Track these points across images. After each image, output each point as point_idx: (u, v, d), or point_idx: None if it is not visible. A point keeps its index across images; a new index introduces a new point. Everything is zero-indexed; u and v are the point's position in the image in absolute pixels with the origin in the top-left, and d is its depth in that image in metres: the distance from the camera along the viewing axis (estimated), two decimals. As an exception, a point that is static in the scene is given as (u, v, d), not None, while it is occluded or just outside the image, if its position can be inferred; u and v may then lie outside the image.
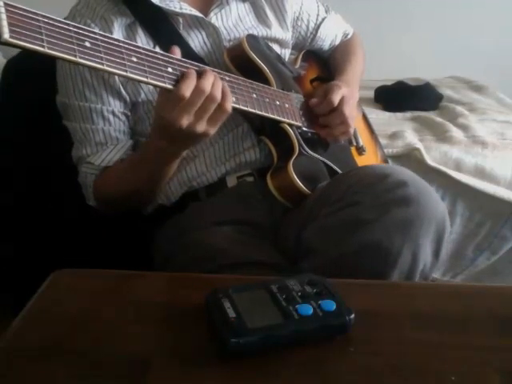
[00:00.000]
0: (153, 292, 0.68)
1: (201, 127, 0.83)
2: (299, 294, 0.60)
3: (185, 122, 0.81)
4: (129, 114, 1.03)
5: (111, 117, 1.00)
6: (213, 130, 0.85)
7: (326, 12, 1.26)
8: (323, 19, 1.24)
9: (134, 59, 0.76)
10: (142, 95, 1.00)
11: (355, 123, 1.14)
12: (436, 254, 0.81)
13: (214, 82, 0.82)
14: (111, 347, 0.57)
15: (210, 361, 0.55)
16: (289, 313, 0.57)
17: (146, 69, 0.78)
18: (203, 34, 1.04)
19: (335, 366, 0.55)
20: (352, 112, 1.05)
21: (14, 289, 1.18)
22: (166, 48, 0.98)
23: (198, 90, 0.80)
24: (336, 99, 1.02)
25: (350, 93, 1.06)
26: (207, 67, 0.86)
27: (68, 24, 0.70)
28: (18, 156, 1.24)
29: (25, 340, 0.58)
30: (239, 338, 0.54)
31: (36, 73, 1.06)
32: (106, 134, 1.00)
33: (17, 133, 1.23)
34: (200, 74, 0.82)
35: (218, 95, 0.82)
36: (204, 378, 0.53)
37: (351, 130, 1.07)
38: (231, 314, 0.57)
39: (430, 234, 0.79)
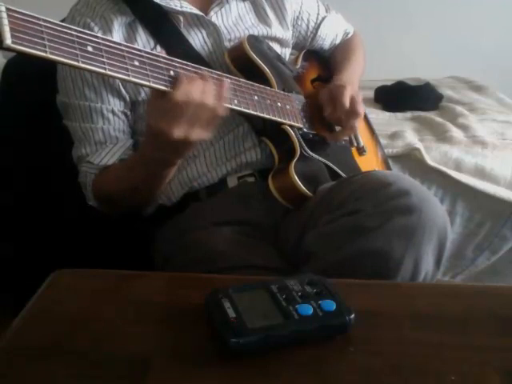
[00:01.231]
0: (153, 292, 0.68)
1: (194, 135, 0.81)
2: (299, 294, 0.60)
3: (175, 131, 0.79)
4: (128, 113, 1.02)
5: (111, 116, 1.00)
6: (207, 135, 0.83)
7: (327, 11, 1.26)
8: (323, 18, 1.24)
9: (136, 63, 0.76)
10: (143, 94, 1.00)
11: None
12: (437, 262, 0.81)
13: (204, 89, 0.80)
14: (111, 347, 0.57)
15: (210, 361, 0.55)
16: (289, 313, 0.57)
17: (148, 73, 0.77)
18: (203, 32, 1.04)
19: (335, 366, 0.55)
20: (362, 110, 1.05)
21: (14, 289, 1.18)
22: (167, 46, 0.99)
23: (186, 99, 0.78)
24: (347, 101, 1.02)
25: (355, 90, 1.06)
26: (205, 71, 0.84)
27: (70, 28, 0.70)
28: (18, 156, 1.24)
29: (25, 340, 0.58)
30: (239, 338, 0.54)
31: (36, 73, 1.06)
32: (105, 133, 1.00)
33: (17, 133, 1.23)
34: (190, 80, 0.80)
35: (209, 102, 0.80)
36: (204, 378, 0.53)
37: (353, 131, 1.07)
38: (231, 314, 0.57)
39: (432, 243, 0.78)
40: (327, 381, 0.53)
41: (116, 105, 1.00)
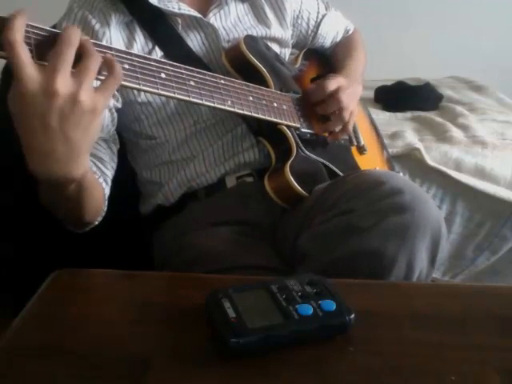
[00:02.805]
0: (153, 292, 0.68)
1: (86, 95, 0.61)
2: (299, 293, 0.60)
3: (61, 84, 0.60)
4: (113, 110, 0.96)
5: None
6: (104, 104, 0.64)
7: (326, 9, 1.26)
8: (323, 16, 1.24)
9: (126, 66, 0.75)
10: (142, 96, 0.99)
11: (357, 122, 1.13)
12: (432, 260, 0.81)
13: (86, 41, 0.64)
14: (111, 347, 0.57)
15: (210, 361, 0.55)
16: (289, 313, 0.57)
17: (138, 75, 0.76)
18: (202, 34, 1.04)
19: (335, 366, 0.55)
20: (350, 103, 1.04)
21: (14, 289, 1.18)
22: (165, 48, 0.99)
23: (63, 38, 0.61)
24: (330, 85, 1.02)
25: (348, 83, 1.05)
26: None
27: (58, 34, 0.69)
28: (18, 156, 1.24)
29: (25, 340, 0.58)
30: (239, 338, 0.54)
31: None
32: None
33: (16, 133, 1.23)
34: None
35: (95, 54, 0.64)
36: (204, 378, 0.53)
37: (349, 126, 1.07)
38: (231, 314, 0.57)
39: (426, 241, 0.78)
40: (327, 381, 0.53)
41: None
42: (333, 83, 1.02)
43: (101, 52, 0.66)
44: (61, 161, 0.64)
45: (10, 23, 0.58)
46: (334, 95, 1.02)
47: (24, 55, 0.59)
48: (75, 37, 0.61)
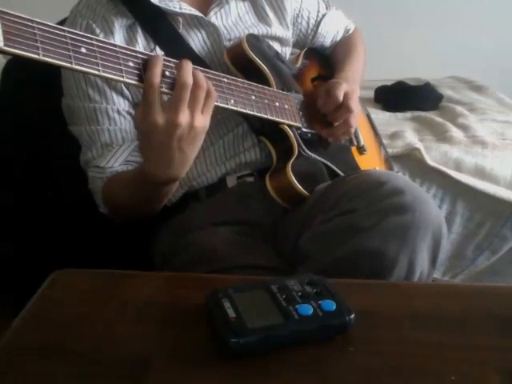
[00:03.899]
0: (153, 292, 0.68)
1: (197, 121, 0.77)
2: (299, 293, 0.60)
3: (181, 116, 0.75)
4: (134, 112, 0.99)
5: (116, 116, 0.98)
6: (207, 122, 0.80)
7: (327, 8, 1.26)
8: (323, 15, 1.24)
9: (131, 64, 0.75)
10: None
11: (357, 122, 1.13)
12: (433, 261, 0.81)
13: (193, 72, 0.77)
14: (111, 347, 0.57)
15: (210, 361, 0.55)
16: (289, 313, 0.57)
17: (142, 74, 0.76)
18: (203, 33, 1.04)
19: (335, 366, 0.55)
20: (356, 108, 1.05)
21: (14, 289, 1.18)
22: (167, 48, 0.99)
23: (180, 83, 0.76)
24: (340, 95, 1.02)
25: (351, 88, 1.06)
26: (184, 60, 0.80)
27: (63, 30, 0.69)
28: (18, 156, 1.24)
29: (25, 340, 0.58)
30: (239, 338, 0.54)
31: (36, 73, 1.06)
32: (111, 134, 0.98)
33: (16, 133, 1.23)
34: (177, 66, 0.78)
35: (204, 83, 0.77)
36: (204, 378, 0.53)
37: (352, 130, 1.07)
38: (231, 314, 0.57)
39: (427, 241, 0.78)
40: (327, 381, 0.53)
41: (121, 104, 0.99)
42: (341, 92, 1.02)
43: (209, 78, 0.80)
44: (175, 167, 0.81)
45: (153, 66, 0.75)
46: (344, 104, 1.02)
47: (158, 94, 0.75)
48: (189, 79, 0.75)
